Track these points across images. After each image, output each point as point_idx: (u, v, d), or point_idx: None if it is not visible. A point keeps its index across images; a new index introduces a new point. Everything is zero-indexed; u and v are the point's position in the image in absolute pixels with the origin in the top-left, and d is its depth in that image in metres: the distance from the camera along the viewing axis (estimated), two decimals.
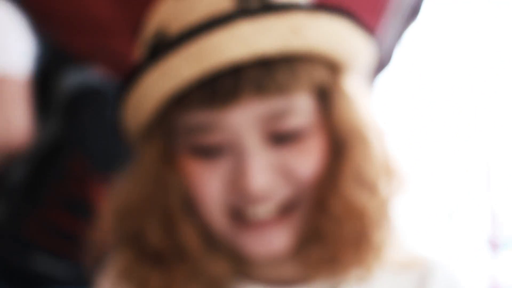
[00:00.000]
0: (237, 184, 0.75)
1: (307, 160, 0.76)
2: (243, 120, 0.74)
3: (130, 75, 0.75)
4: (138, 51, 0.82)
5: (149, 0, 0.86)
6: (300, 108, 0.75)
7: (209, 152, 0.76)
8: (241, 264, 0.85)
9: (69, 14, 1.69)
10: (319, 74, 0.77)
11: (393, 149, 0.82)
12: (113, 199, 0.86)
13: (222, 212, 0.78)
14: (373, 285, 0.85)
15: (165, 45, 0.72)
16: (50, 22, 1.60)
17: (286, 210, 0.78)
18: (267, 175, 0.74)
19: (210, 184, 0.77)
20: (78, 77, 1.58)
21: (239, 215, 0.78)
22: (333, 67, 0.79)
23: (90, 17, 1.73)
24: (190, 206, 0.80)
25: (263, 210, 0.77)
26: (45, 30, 1.58)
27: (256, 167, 0.73)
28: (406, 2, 2.19)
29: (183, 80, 0.71)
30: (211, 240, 0.82)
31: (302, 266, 0.84)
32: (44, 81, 1.54)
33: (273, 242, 0.78)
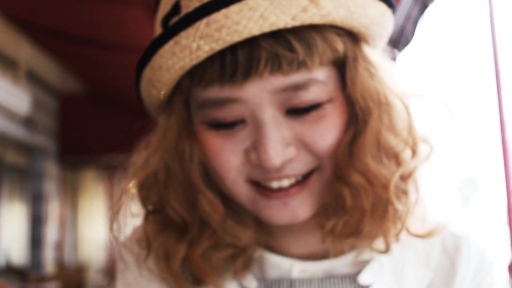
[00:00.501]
0: (256, 156, 0.77)
1: (326, 132, 0.77)
2: (260, 94, 0.75)
3: (148, 48, 0.77)
4: (155, 28, 0.83)
5: None
6: (318, 81, 0.76)
7: (227, 126, 0.78)
8: (267, 234, 0.88)
9: None
10: (338, 45, 0.77)
11: (418, 118, 0.82)
12: (136, 171, 0.89)
13: (243, 182, 0.80)
14: (399, 255, 0.87)
15: (180, 20, 0.73)
16: None
17: (306, 179, 0.79)
18: (284, 147, 0.76)
19: (230, 157, 0.78)
20: None
21: (259, 185, 0.80)
22: (353, 37, 0.80)
23: None
24: (210, 177, 0.83)
25: (284, 182, 0.79)
26: None
27: (274, 139, 0.75)
28: None
29: (199, 55, 0.73)
30: (233, 210, 0.84)
31: (326, 239, 0.85)
32: None
33: (295, 209, 0.79)
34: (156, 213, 0.86)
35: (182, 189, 0.82)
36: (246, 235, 0.84)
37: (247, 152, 0.78)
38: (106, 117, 9.63)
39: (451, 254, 0.89)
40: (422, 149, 0.81)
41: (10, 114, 8.45)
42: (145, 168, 0.86)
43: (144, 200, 0.87)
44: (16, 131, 8.88)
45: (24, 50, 8.42)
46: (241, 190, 0.80)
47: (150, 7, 5.10)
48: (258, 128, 0.76)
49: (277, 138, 0.75)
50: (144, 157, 0.88)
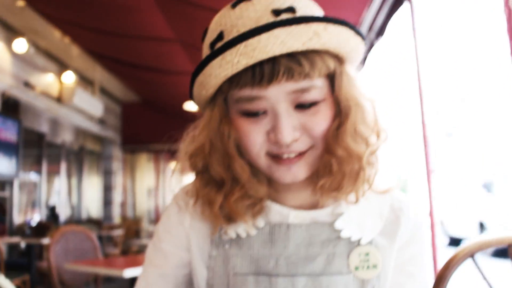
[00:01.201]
0: (273, 136, 0.79)
1: (320, 122, 0.80)
2: (278, 94, 0.77)
3: (201, 62, 0.78)
4: (204, 50, 0.85)
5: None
6: (317, 87, 0.78)
7: (254, 115, 0.80)
8: (274, 191, 0.90)
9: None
10: (330, 64, 0.79)
11: (380, 114, 0.85)
12: (187, 144, 0.90)
13: (263, 154, 0.82)
14: (362, 210, 0.88)
15: (226, 43, 0.74)
16: None
17: (304, 153, 0.81)
18: (293, 131, 0.78)
19: (255, 137, 0.80)
20: None
21: (274, 156, 0.81)
22: (339, 59, 0.82)
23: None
24: (240, 150, 0.84)
25: (291, 154, 0.80)
26: None
27: (287, 125, 0.77)
28: None
29: (238, 67, 0.74)
30: (255, 173, 0.85)
31: (315, 195, 0.87)
32: None
33: (296, 172, 0.81)
34: (202, 173, 0.87)
35: (222, 157, 0.84)
36: (262, 190, 0.86)
37: (267, 133, 0.80)
38: (153, 118, 9.70)
39: (396, 212, 0.89)
40: (382, 135, 0.84)
41: (89, 116, 8.48)
42: (194, 143, 0.87)
43: (192, 164, 0.88)
44: (93, 127, 8.92)
45: (98, 73, 8.42)
46: (262, 159, 0.82)
47: (183, 42, 5.09)
48: (275, 117, 0.78)
49: (289, 124, 0.77)
50: (191, 137, 0.89)
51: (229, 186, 0.85)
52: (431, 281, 1.10)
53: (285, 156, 0.80)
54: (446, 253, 1.14)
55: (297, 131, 0.79)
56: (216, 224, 0.88)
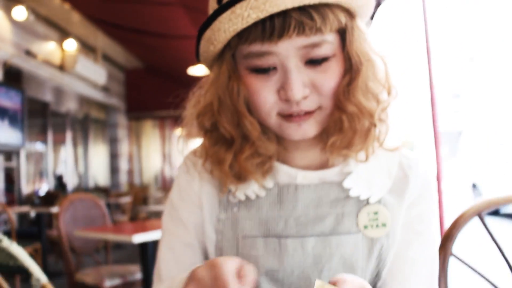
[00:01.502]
0: (283, 94, 0.78)
1: (330, 79, 0.79)
2: (289, 49, 0.76)
3: (209, 16, 0.77)
4: (210, 4, 0.83)
5: None
6: (328, 42, 0.77)
7: (263, 71, 0.79)
8: (283, 150, 0.90)
9: None
10: (342, 18, 0.78)
11: (391, 70, 0.84)
12: (194, 104, 0.89)
13: (273, 112, 0.81)
14: (371, 169, 0.88)
15: None
16: None
17: (313, 112, 0.81)
18: (303, 87, 0.78)
19: (265, 95, 0.80)
20: None
21: (284, 113, 0.81)
22: (350, 14, 0.81)
23: None
24: (249, 107, 0.84)
25: (300, 112, 0.80)
26: None
27: (297, 81, 0.76)
28: None
29: (248, 21, 0.73)
30: (265, 131, 0.85)
31: (325, 153, 0.88)
32: None
33: (306, 129, 0.81)
34: (211, 132, 0.87)
35: (231, 114, 0.84)
36: (272, 147, 0.86)
37: (278, 91, 0.79)
38: (157, 84, 9.64)
39: (405, 170, 0.89)
40: (393, 92, 0.83)
41: (93, 84, 8.46)
42: (201, 101, 0.87)
43: (200, 124, 0.88)
44: (97, 95, 8.91)
45: (100, 39, 8.37)
46: (272, 117, 0.81)
47: (186, 6, 5.03)
48: (285, 73, 0.77)
49: (299, 80, 0.77)
50: (197, 96, 0.89)
51: (239, 144, 0.84)
52: (439, 239, 1.12)
53: (295, 114, 0.80)
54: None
55: (307, 87, 0.78)
56: (225, 183, 0.88)
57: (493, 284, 1.11)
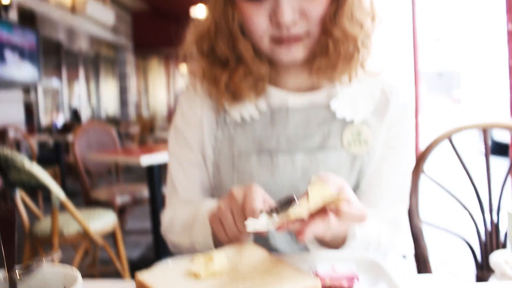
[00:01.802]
0: (275, 19, 0.78)
1: (318, 6, 0.78)
2: None
3: None
4: None
5: None
6: None
7: None
8: (275, 73, 0.89)
9: None
10: None
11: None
12: (195, 28, 0.89)
13: (265, 36, 0.81)
14: (355, 91, 0.88)
15: None
16: None
17: (303, 35, 0.80)
18: (293, 12, 0.77)
19: (258, 20, 0.80)
20: None
21: (275, 37, 0.80)
22: None
23: None
24: (244, 32, 0.83)
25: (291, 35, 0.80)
26: None
27: (287, 6, 0.76)
28: None
29: None
30: (257, 54, 0.85)
31: (312, 77, 0.87)
32: None
33: (295, 53, 0.81)
34: (208, 55, 0.87)
35: (226, 38, 0.84)
36: (264, 68, 0.85)
37: (270, 17, 0.79)
38: (161, 24, 9.44)
39: (387, 94, 0.89)
40: (377, 20, 0.83)
41: (102, 25, 8.30)
42: (199, 27, 0.87)
43: (199, 47, 0.87)
44: (107, 35, 8.79)
45: None
46: (265, 42, 0.81)
47: None
48: (277, 0, 0.77)
49: (288, 5, 0.76)
50: (196, 23, 0.89)
51: (234, 65, 0.85)
52: (413, 159, 1.13)
53: (285, 38, 0.79)
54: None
55: (296, 13, 0.77)
56: (221, 101, 0.88)
57: (458, 200, 1.13)
